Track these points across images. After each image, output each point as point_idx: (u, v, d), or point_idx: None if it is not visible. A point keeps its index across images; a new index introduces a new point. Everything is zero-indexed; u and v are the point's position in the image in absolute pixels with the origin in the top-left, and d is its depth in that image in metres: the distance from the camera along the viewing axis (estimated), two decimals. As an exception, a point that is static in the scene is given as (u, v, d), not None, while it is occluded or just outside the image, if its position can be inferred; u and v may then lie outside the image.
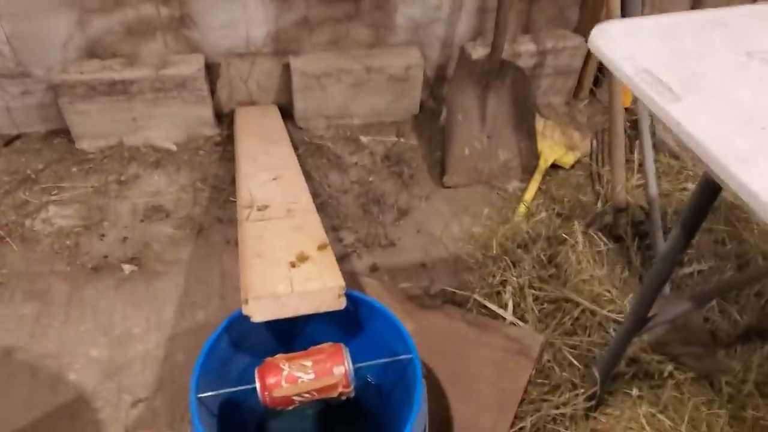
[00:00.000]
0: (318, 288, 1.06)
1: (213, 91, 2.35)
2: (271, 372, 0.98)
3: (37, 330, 1.63)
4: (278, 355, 1.02)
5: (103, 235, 1.93)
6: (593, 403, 1.36)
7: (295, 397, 0.98)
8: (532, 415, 1.36)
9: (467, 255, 1.89)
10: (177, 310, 1.71)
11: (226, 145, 2.34)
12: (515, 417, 1.37)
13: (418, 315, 1.59)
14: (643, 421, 1.38)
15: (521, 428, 1.35)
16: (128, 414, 1.45)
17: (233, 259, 1.88)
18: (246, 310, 1.03)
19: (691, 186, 2.01)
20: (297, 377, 0.97)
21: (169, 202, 2.08)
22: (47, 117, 2.27)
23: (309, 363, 0.99)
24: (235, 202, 2.09)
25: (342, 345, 1.02)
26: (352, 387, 0.99)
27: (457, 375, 1.45)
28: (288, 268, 1.13)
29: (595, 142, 1.97)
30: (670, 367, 1.44)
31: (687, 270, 1.73)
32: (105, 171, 2.16)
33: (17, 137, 2.29)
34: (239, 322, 1.12)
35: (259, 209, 1.40)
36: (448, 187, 2.25)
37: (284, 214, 1.38)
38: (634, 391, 1.41)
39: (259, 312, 1.03)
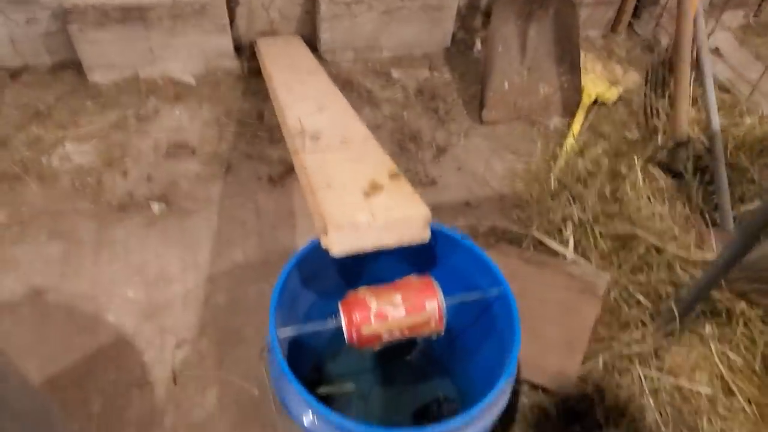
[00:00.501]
0: (402, 217, 0.96)
1: (231, 20, 2.17)
2: (357, 307, 0.89)
3: (68, 270, 1.53)
4: (361, 288, 0.93)
5: (125, 172, 1.81)
6: (667, 340, 1.31)
7: (384, 335, 0.90)
8: (603, 353, 1.30)
9: (517, 191, 1.80)
10: (213, 249, 1.62)
11: (249, 78, 2.18)
12: (584, 356, 1.31)
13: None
14: (716, 359, 1.33)
15: (593, 367, 1.30)
16: (174, 355, 1.38)
17: (267, 196, 1.77)
18: (325, 242, 0.93)
19: (748, 120, 1.90)
20: (387, 313, 0.89)
21: (193, 138, 1.95)
22: (54, 47, 2.09)
23: (398, 298, 0.90)
24: (263, 137, 1.97)
25: (431, 277, 0.93)
26: (444, 324, 0.91)
27: (521, 315, 1.38)
28: (363, 197, 1.02)
29: (649, 72, 1.85)
30: (742, 305, 1.38)
31: (748, 206, 1.65)
32: (122, 105, 2.01)
33: (23, 69, 2.11)
34: (309, 257, 1.02)
35: (311, 139, 1.28)
36: (487, 123, 2.13)
37: (340, 143, 1.27)
38: (707, 329, 1.36)
39: (338, 244, 0.93)
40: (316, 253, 1.01)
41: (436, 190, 1.87)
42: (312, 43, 2.30)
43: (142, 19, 1.96)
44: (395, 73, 2.30)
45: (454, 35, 2.43)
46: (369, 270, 1.14)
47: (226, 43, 2.14)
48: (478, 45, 2.43)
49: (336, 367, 1.30)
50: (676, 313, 1.25)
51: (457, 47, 2.45)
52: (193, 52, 2.11)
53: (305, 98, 1.55)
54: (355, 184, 1.07)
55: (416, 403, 1.18)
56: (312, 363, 1.27)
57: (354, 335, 0.89)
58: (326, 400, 1.17)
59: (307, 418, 0.87)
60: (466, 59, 2.41)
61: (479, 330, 1.10)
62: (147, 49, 2.05)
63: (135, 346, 1.39)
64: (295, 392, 0.84)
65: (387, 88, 2.23)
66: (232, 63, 2.21)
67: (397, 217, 0.96)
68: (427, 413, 1.14)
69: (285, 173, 1.85)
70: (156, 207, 1.71)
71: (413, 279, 0.94)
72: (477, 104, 2.17)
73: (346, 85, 2.20)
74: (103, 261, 1.56)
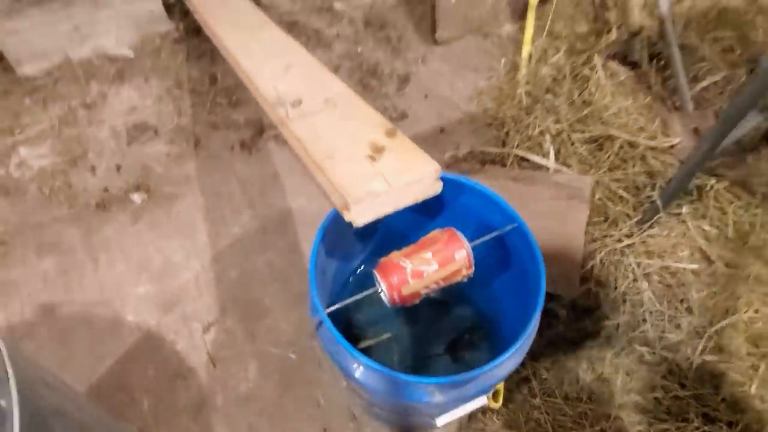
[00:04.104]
0: (415, 178, 1.00)
1: (154, -22, 2.01)
2: (394, 271, 0.95)
3: (71, 282, 1.51)
4: (393, 253, 0.98)
5: (93, 168, 1.74)
6: (651, 229, 1.44)
7: (422, 291, 0.97)
8: (599, 252, 1.43)
9: (487, 110, 1.84)
10: (210, 230, 1.62)
11: (188, 39, 2.07)
12: (582, 258, 1.43)
13: (462, 182, 1.56)
14: (694, 233, 1.47)
15: (592, 266, 1.42)
16: (204, 340, 1.42)
17: (246, 164, 1.76)
18: (348, 217, 0.96)
19: (690, -4, 1.96)
20: (421, 271, 0.95)
21: (150, 117, 1.87)
22: (-33, 44, 1.91)
23: (429, 254, 0.96)
24: (223, 102, 1.91)
25: (453, 229, 0.99)
26: (473, 267, 0.98)
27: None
28: (370, 162, 1.05)
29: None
30: (711, 181, 1.51)
31: (703, 84, 1.75)
32: (64, 96, 1.89)
33: (-61, 75, 1.93)
34: (329, 228, 1.06)
35: (293, 105, 1.26)
36: (441, 43, 2.11)
37: (323, 105, 1.26)
38: (684, 209, 1.49)
39: (361, 216, 0.97)
40: (335, 223, 1.05)
41: (409, 122, 1.89)
42: (244, -13, 2.17)
43: (60, -2, 1.80)
44: (338, 5, 2.22)
45: (389, -48, 2.33)
46: (382, 225, 1.19)
47: (156, 5, 2.00)
48: (416, -41, 2.34)
49: (363, 317, 1.38)
50: (660, 206, 1.37)
51: (394, -35, 2.36)
52: (123, 22, 1.97)
53: (268, 59, 1.50)
54: (357, 149, 1.08)
55: (447, 336, 1.29)
56: (343, 317, 1.34)
57: (396, 296, 0.96)
58: (367, 351, 1.26)
59: (358, 371, 0.96)
60: (406, -23, 2.33)
61: (494, 259, 1.19)
62: (72, 28, 1.90)
63: (164, 339, 1.42)
64: (348, 355, 0.92)
65: (334, 24, 2.16)
66: (166, 25, 2.08)
67: (411, 179, 0.99)
68: (460, 343, 1.25)
69: (256, 136, 1.82)
70: (137, 198, 1.67)
71: (437, 233, 0.99)
72: (427, 26, 2.14)
73: (292, 28, 2.12)
74: (102, 265, 1.54)
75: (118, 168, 1.74)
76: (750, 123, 1.25)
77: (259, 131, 1.82)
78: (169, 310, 1.47)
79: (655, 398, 1.28)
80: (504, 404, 1.30)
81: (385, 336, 1.27)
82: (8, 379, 0.58)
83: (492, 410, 1.30)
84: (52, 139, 1.79)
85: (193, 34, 2.07)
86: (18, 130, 1.79)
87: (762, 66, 0.99)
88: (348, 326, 1.36)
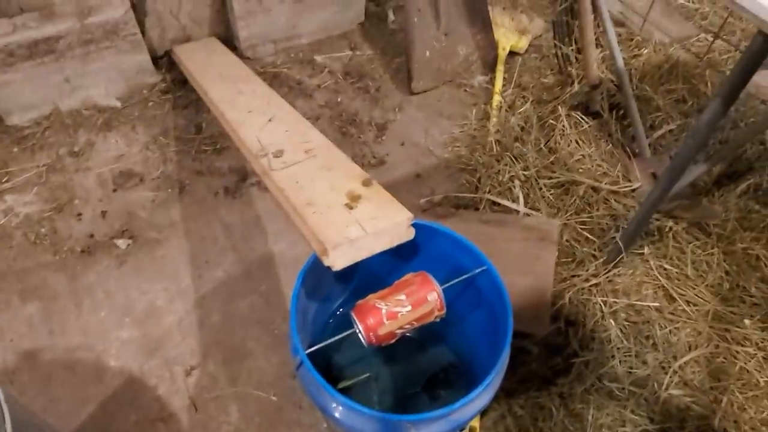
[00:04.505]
0: (390, 225, 1.07)
1: (142, 33, 2.11)
2: (370, 313, 1.01)
3: (54, 327, 1.53)
4: (369, 296, 1.04)
5: (79, 215, 1.78)
6: (616, 268, 1.52)
7: (397, 331, 1.03)
8: (568, 292, 1.50)
9: (460, 156, 1.94)
10: (193, 273, 1.66)
11: (175, 90, 2.15)
12: (552, 297, 1.50)
13: (437, 225, 1.64)
14: (656, 272, 1.56)
15: (561, 305, 1.50)
16: (186, 383, 1.45)
17: (230, 209, 1.81)
18: (327, 261, 1.03)
19: (645, 51, 2.12)
20: (396, 312, 1.01)
21: (137, 165, 1.93)
22: (-43, 95, 1.97)
23: (403, 296, 1.02)
24: (208, 150, 1.98)
25: (425, 272, 1.06)
26: (445, 308, 1.05)
27: (492, 272, 1.55)
28: (347, 210, 1.12)
29: (554, 21, 2.00)
30: (670, 223, 1.61)
31: (659, 132, 1.88)
32: (52, 145, 1.95)
33: (-72, 125, 1.98)
34: (309, 272, 1.12)
35: (275, 156, 1.34)
36: (417, 93, 2.23)
37: (304, 155, 1.34)
38: (645, 250, 1.58)
39: (339, 260, 1.04)
40: (315, 267, 1.11)
41: (387, 168, 1.98)
42: (229, 41, 2.28)
43: (52, 51, 1.88)
44: (319, 58, 2.33)
45: (366, 9, 2.47)
46: (360, 269, 1.25)
47: (145, 58, 2.09)
48: (391, 16, 2.50)
49: (342, 358, 1.42)
50: (622, 246, 1.46)
51: (371, 21, 2.50)
52: (112, 74, 2.05)
53: (252, 111, 1.59)
54: (335, 198, 1.16)
55: (423, 375, 1.33)
56: (323, 358, 1.38)
57: (372, 337, 1.01)
58: (346, 391, 1.30)
59: (337, 411, 1.00)
60: (382, 32, 2.47)
61: (466, 300, 1.25)
62: (62, 80, 1.97)
63: (146, 383, 1.44)
64: (327, 395, 0.96)
65: (315, 76, 2.27)
66: (154, 77, 2.16)
67: (385, 226, 1.07)
68: (436, 382, 1.30)
69: (240, 182, 1.89)
70: (122, 243, 1.72)
71: (411, 277, 1.06)
72: (403, 77, 2.26)
73: (274, 80, 2.22)
74: (86, 310, 1.57)
75: (104, 214, 1.79)
76: (699, 169, 1.36)
77: (242, 178, 1.89)
78: (152, 355, 1.49)
79: (625, 432, 1.34)
80: (480, 442, 1.34)
81: (364, 376, 1.31)
82: (4, 420, 0.62)
83: (469, 448, 1.34)
84: (39, 187, 1.83)
85: (179, 85, 2.15)
86: (5, 178, 1.84)
87: (700, 122, 1.10)
88: (328, 367, 1.40)
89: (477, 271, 1.13)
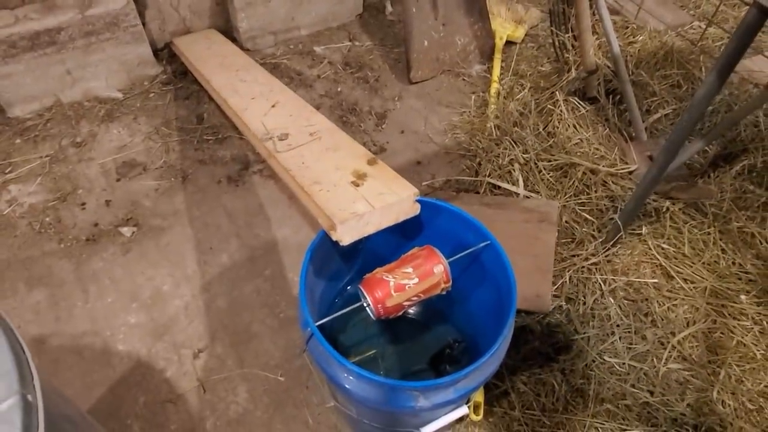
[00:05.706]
0: (396, 200, 1.09)
1: (143, 25, 2.13)
2: (378, 285, 1.03)
3: (61, 313, 1.55)
4: (377, 270, 1.06)
5: (83, 204, 1.80)
6: (615, 248, 1.55)
7: (405, 303, 1.05)
8: (568, 271, 1.53)
9: (460, 143, 1.96)
10: (198, 259, 1.68)
11: (176, 82, 2.17)
12: (553, 277, 1.53)
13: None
14: (654, 252, 1.59)
15: (562, 284, 1.52)
16: (194, 366, 1.47)
17: (232, 196, 1.83)
18: (335, 236, 1.05)
19: (640, 38, 2.15)
20: (404, 284, 1.03)
21: (140, 155, 1.94)
22: (-41, 88, 1.98)
23: (410, 269, 1.04)
24: (210, 139, 2.00)
25: (431, 246, 1.08)
26: (450, 280, 1.07)
27: (493, 253, 1.57)
28: (353, 187, 1.14)
29: (551, 9, 2.03)
30: (667, 204, 1.64)
31: (655, 116, 1.91)
32: (54, 136, 1.96)
33: (-70, 118, 1.99)
34: (317, 249, 1.14)
35: (280, 139, 1.36)
36: (415, 83, 2.26)
37: (309, 138, 1.36)
38: (643, 229, 1.61)
39: (346, 235, 1.06)
40: (323, 245, 1.13)
41: (387, 156, 2.00)
42: (228, 33, 2.30)
43: (53, 43, 1.89)
44: (318, 49, 2.36)
45: (364, 1, 2.50)
46: (365, 249, 1.28)
47: (146, 50, 2.11)
48: (389, 7, 2.52)
49: (348, 337, 1.44)
50: (621, 225, 1.49)
51: (369, 13, 2.53)
52: (113, 66, 2.07)
53: (254, 97, 1.61)
54: (341, 176, 1.18)
55: (428, 351, 1.36)
56: (329, 338, 1.40)
57: (381, 309, 1.03)
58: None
59: (348, 380, 1.02)
60: (380, 23, 2.50)
61: (470, 276, 1.27)
62: (64, 72, 1.99)
63: (154, 367, 1.46)
64: (338, 365, 0.99)
65: (314, 66, 2.29)
66: (154, 69, 2.18)
67: (392, 201, 1.09)
68: (442, 358, 1.32)
69: (242, 170, 1.91)
70: (126, 231, 1.73)
71: (417, 251, 1.08)
72: (402, 66, 2.29)
73: (274, 70, 2.24)
74: (93, 296, 1.58)
75: (108, 203, 1.80)
76: (694, 147, 1.39)
77: (244, 166, 1.91)
78: (160, 339, 1.51)
79: (626, 405, 1.36)
80: (485, 417, 1.37)
81: (371, 353, 1.34)
82: (32, 377, 0.64)
83: (474, 423, 1.37)
84: (43, 177, 1.84)
85: (179, 76, 2.17)
86: (8, 169, 1.85)
87: (696, 97, 1.13)
88: (334, 346, 1.42)
89: (481, 245, 1.15)
